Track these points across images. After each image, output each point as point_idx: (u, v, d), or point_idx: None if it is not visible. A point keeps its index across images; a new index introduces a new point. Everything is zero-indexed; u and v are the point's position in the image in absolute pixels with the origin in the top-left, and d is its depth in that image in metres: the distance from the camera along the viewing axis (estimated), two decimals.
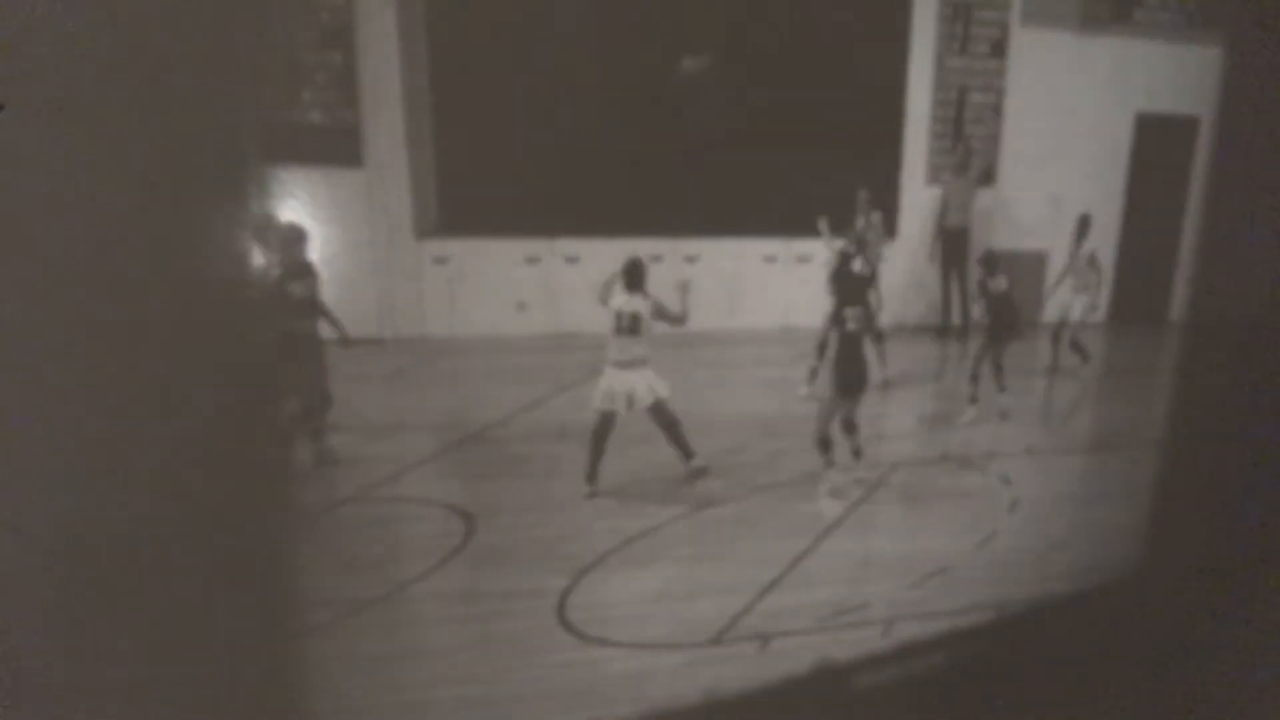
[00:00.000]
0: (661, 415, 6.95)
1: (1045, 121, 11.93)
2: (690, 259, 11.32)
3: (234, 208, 1.74)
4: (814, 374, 8.80)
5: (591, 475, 6.89)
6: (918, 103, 11.88)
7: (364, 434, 7.80)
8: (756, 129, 11.50)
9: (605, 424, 6.85)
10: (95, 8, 1.42)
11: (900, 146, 11.92)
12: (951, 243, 11.29)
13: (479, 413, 6.65)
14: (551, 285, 11.08)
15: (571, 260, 11.15)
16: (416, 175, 10.89)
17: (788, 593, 5.80)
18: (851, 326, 6.71)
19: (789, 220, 11.40)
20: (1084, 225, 9.81)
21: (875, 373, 8.57)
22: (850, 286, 7.46)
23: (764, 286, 11.54)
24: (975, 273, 8.90)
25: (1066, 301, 9.88)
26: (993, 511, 6.87)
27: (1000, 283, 8.48)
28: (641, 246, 11.18)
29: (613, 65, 11.22)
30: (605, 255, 11.18)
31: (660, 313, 6.86)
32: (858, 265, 7.63)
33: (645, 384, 6.79)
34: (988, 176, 11.96)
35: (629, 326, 6.74)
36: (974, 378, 8.59)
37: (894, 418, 8.95)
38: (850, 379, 6.78)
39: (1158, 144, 12.27)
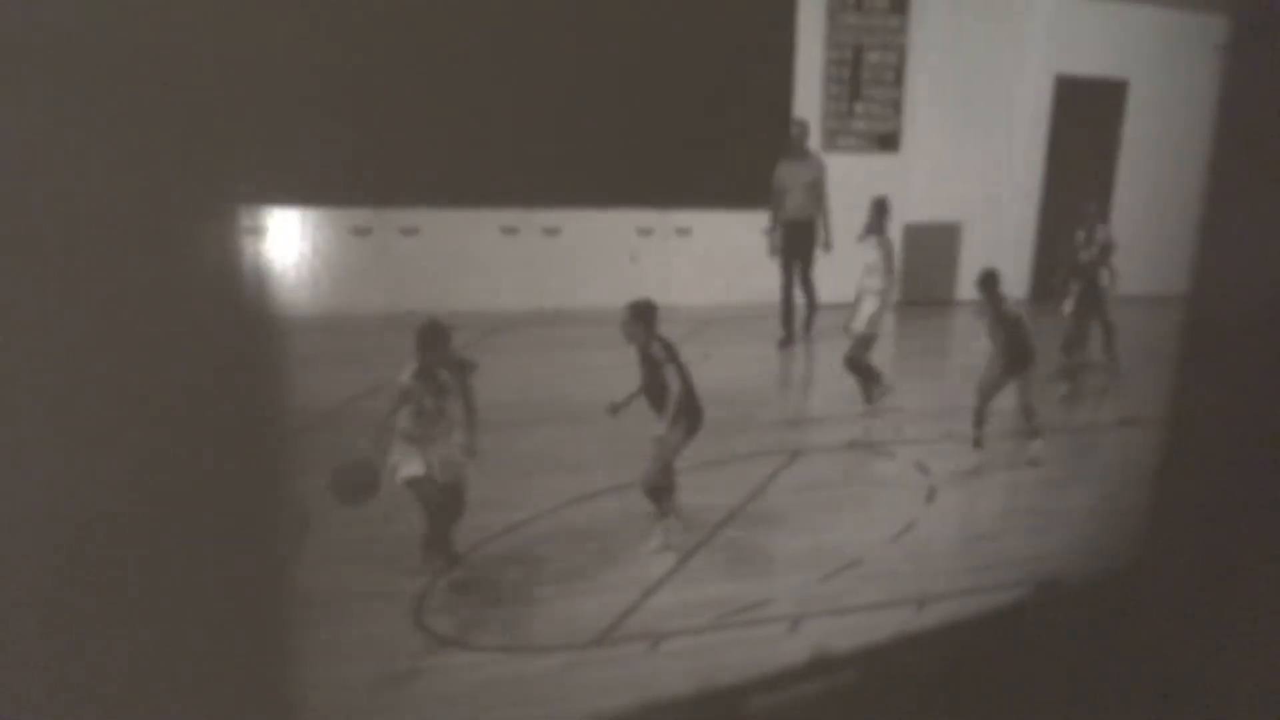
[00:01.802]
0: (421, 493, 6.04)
1: (953, 84, 12.51)
2: (550, 231, 11.45)
3: (228, 208, 1.88)
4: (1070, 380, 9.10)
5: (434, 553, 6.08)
6: (809, 63, 12.31)
7: None
8: (627, 89, 11.68)
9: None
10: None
11: (790, 111, 12.26)
12: (793, 235, 11.04)
13: (307, 400, 6.56)
14: (387, 260, 11.04)
15: (409, 232, 11.14)
16: None
17: (681, 589, 5.92)
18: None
19: (666, 190, 11.64)
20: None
21: None
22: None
23: (638, 261, 11.76)
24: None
25: None
26: (909, 501, 7.17)
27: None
28: (492, 218, 11.35)
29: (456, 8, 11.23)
30: (449, 227, 11.28)
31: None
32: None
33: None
34: (888, 143, 12.45)
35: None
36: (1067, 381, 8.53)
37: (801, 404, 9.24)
38: (698, 418, 6.46)
39: (1081, 109, 13.04)
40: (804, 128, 11.05)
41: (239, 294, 1.93)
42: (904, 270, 12.55)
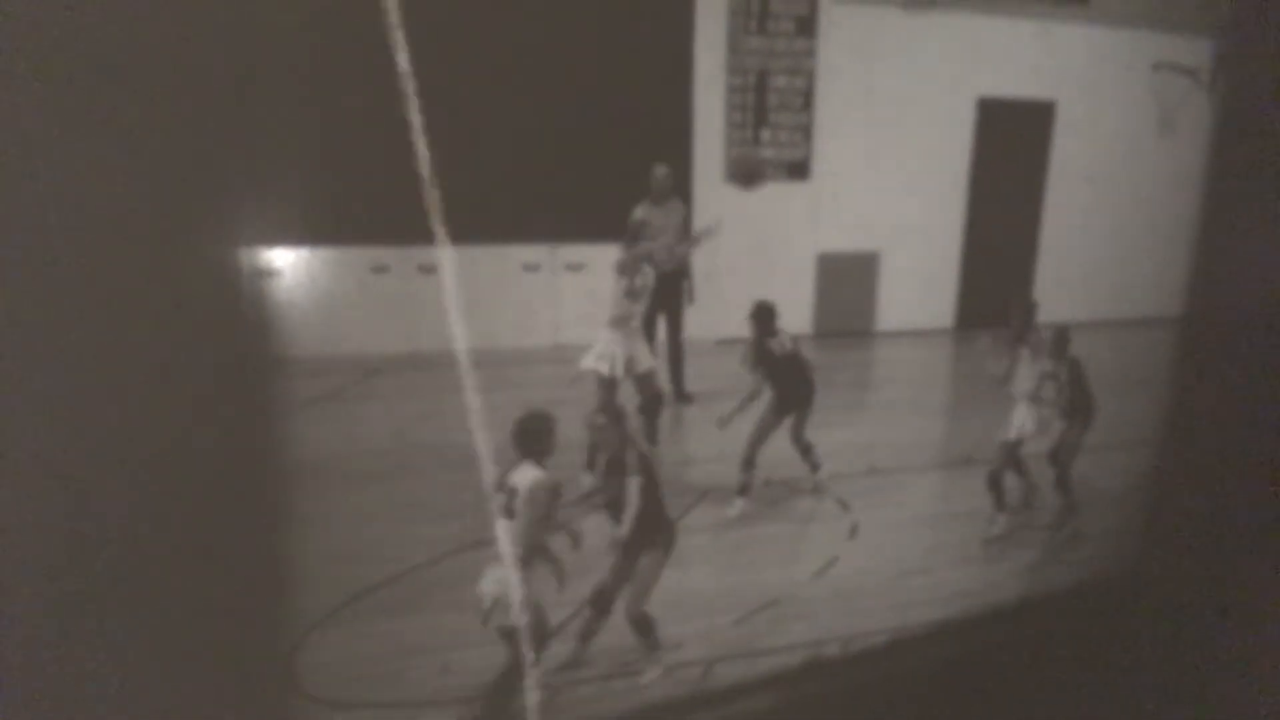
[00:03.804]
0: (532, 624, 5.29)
1: (868, 108, 12.91)
2: (425, 269, 11.46)
3: (227, 215, 2.02)
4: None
5: None
6: (709, 90, 12.58)
7: None
8: (510, 115, 11.75)
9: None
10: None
11: (690, 140, 12.50)
12: (660, 287, 9.86)
13: None
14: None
15: (267, 275, 11.11)
16: None
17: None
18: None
19: (554, 224, 11.74)
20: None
21: None
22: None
23: (526, 300, 11.86)
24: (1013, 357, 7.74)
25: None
26: (830, 538, 7.31)
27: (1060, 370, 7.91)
28: (361, 256, 11.35)
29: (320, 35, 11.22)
30: (312, 268, 11.25)
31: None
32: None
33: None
34: (798, 171, 12.74)
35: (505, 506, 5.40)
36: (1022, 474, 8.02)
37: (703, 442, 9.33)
38: (672, 534, 6.01)
39: (1006, 132, 13.54)
40: (667, 174, 10.55)
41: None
42: (819, 301, 12.88)
